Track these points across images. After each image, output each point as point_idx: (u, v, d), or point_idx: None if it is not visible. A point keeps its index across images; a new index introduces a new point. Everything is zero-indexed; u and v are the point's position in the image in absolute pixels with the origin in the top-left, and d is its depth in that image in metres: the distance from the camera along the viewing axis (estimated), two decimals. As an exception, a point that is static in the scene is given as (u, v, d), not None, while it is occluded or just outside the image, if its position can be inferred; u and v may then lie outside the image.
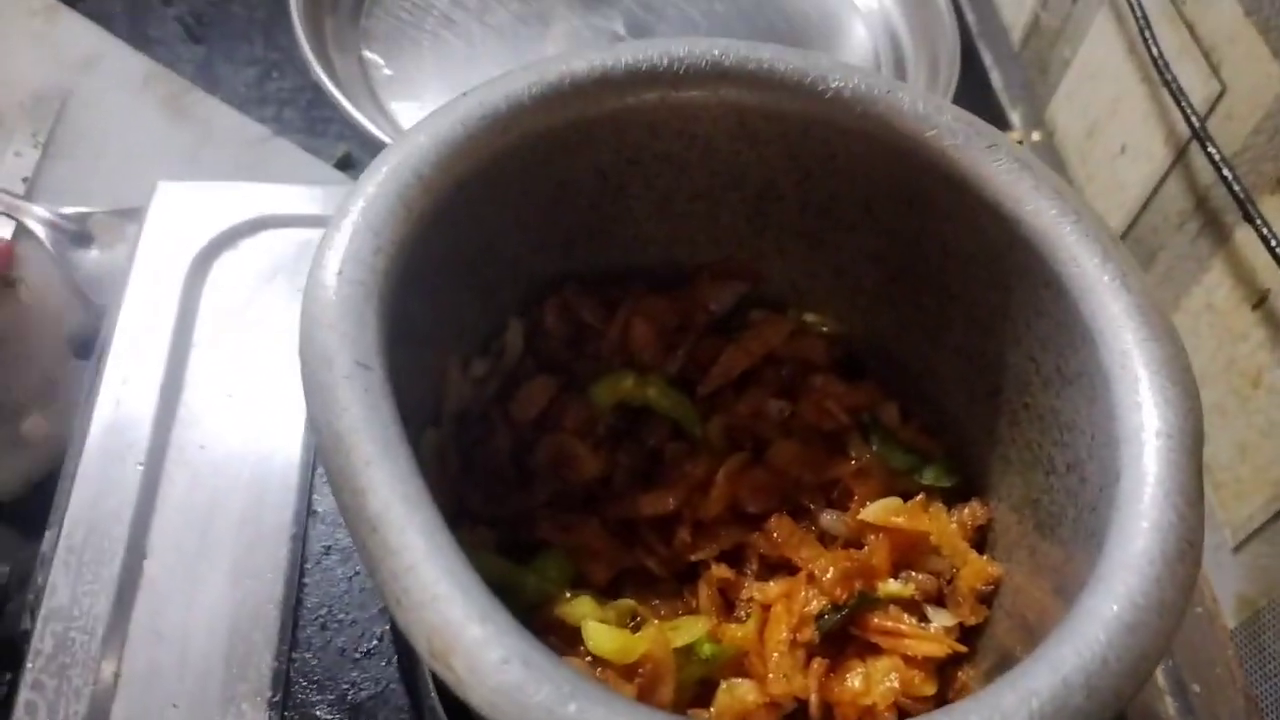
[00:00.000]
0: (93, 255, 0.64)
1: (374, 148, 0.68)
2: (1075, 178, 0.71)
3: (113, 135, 0.69)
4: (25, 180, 0.66)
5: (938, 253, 0.37)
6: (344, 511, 0.26)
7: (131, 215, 0.65)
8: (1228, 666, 0.44)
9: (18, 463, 0.55)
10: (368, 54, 0.65)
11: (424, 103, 0.64)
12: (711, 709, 0.33)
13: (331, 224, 0.29)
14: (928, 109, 0.34)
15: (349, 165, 0.70)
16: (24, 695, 0.35)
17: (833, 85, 0.35)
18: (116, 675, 0.36)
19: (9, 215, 0.63)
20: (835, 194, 0.38)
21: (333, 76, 0.60)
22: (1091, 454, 0.31)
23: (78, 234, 0.64)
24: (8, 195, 0.64)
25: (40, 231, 0.62)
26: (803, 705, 0.34)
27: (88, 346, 0.60)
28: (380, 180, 0.30)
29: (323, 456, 0.26)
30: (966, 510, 0.37)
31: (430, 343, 0.35)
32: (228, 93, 0.73)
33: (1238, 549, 0.51)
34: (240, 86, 0.75)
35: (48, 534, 0.46)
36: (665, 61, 0.34)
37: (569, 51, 0.34)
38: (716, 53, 0.35)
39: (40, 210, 0.63)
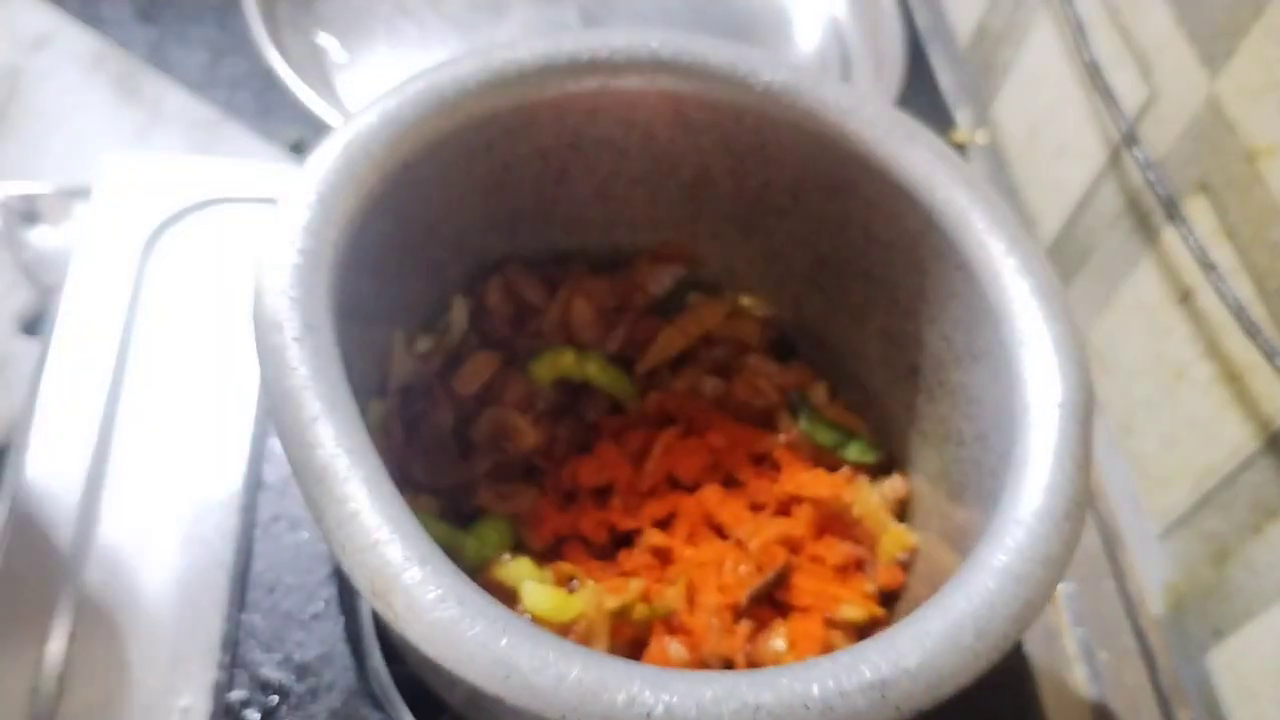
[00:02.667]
0: (40, 234, 0.64)
1: (326, 132, 0.70)
2: (1017, 177, 0.73)
3: (63, 114, 0.69)
4: (-27, 160, 0.66)
5: (861, 238, 0.39)
6: (292, 464, 0.27)
7: (80, 194, 0.66)
8: (1134, 637, 0.46)
9: (-34, 439, 0.55)
10: (321, 38, 0.66)
11: (377, 89, 0.65)
12: (642, 665, 0.35)
13: (285, 197, 0.31)
14: (851, 102, 0.36)
15: (301, 149, 0.71)
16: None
17: (763, 78, 0.37)
18: (69, 639, 0.37)
19: (-43, 195, 0.63)
20: (767, 181, 0.40)
21: (286, 60, 0.61)
22: (995, 425, 0.33)
23: (26, 213, 0.64)
24: (-44, 175, 0.64)
25: (-13, 210, 0.63)
26: (729, 665, 0.35)
27: (36, 325, 0.61)
28: (333, 157, 0.32)
29: (274, 414, 0.28)
30: (888, 484, 0.40)
31: (377, 317, 0.36)
32: (180, 74, 0.73)
33: (1163, 537, 0.53)
34: (192, 68, 0.75)
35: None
36: (605, 51, 0.36)
37: (514, 39, 0.35)
38: (654, 44, 0.37)
39: (-11, 189, 0.64)
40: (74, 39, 0.72)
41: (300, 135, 0.71)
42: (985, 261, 0.34)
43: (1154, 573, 0.53)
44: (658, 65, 0.37)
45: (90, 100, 0.70)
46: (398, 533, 0.26)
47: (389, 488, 0.27)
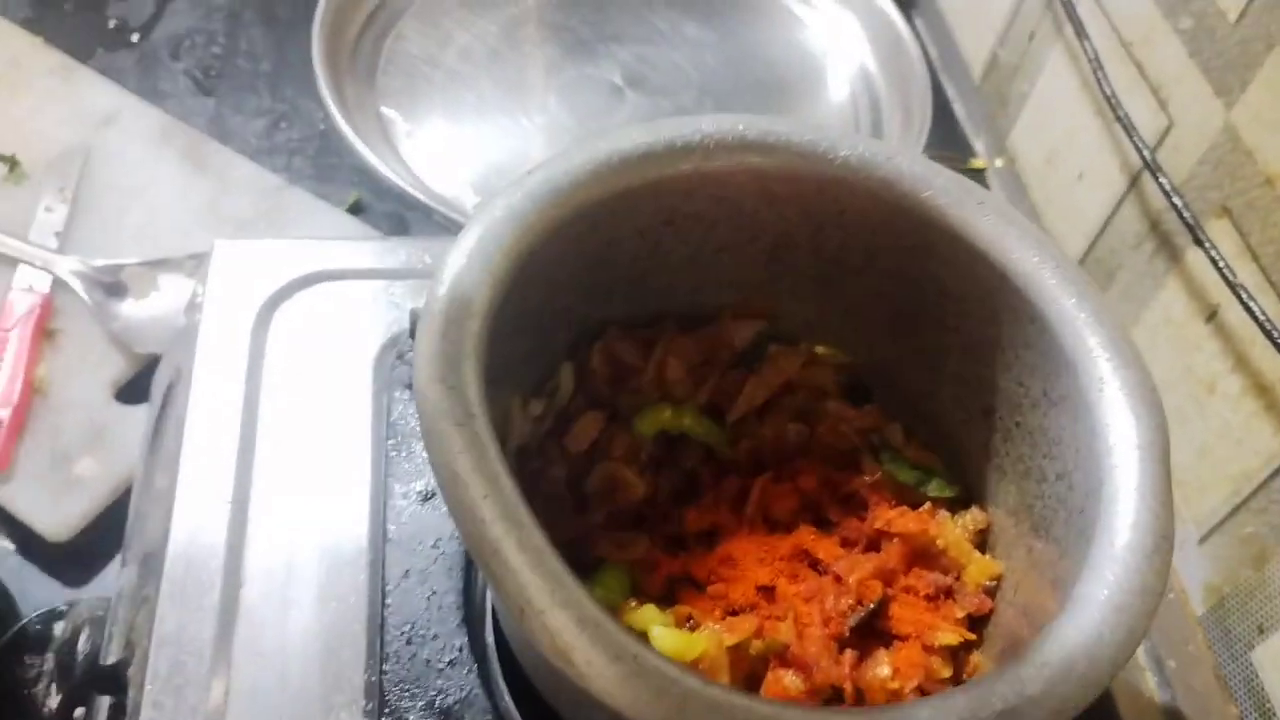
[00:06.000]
0: (127, 305, 0.67)
1: (388, 193, 0.73)
2: (1036, 202, 0.77)
3: (136, 188, 0.72)
4: (57, 234, 0.69)
5: (935, 293, 0.42)
6: (466, 537, 0.31)
7: (162, 265, 0.69)
8: (1197, 645, 0.49)
9: (73, 504, 0.58)
10: (385, 111, 0.69)
11: (442, 152, 0.69)
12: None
13: (431, 293, 0.34)
14: (925, 172, 0.40)
15: (359, 210, 0.74)
16: (146, 714, 0.39)
17: (841, 153, 0.40)
18: (226, 693, 0.40)
19: (46, 269, 0.67)
20: (844, 244, 0.43)
21: (352, 126, 0.64)
22: (1077, 465, 0.36)
23: (111, 285, 0.67)
24: (43, 250, 0.67)
25: (75, 284, 0.66)
26: (838, 691, 0.39)
27: (130, 392, 0.64)
28: (467, 249, 0.35)
29: (443, 491, 0.31)
30: (968, 516, 0.43)
31: (498, 386, 0.40)
32: (239, 143, 0.77)
33: (1202, 541, 0.55)
34: (250, 137, 0.79)
35: (123, 570, 0.50)
36: (697, 136, 0.40)
37: (614, 131, 0.39)
38: (741, 128, 0.40)
39: (74, 263, 0.67)
40: (139, 115, 0.76)
41: (359, 196, 0.75)
42: (1058, 315, 0.37)
43: (1195, 576, 0.55)
44: (745, 146, 0.40)
45: (160, 173, 0.73)
46: (569, 599, 0.29)
47: (553, 556, 0.30)
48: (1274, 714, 0.51)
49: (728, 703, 0.28)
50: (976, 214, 0.39)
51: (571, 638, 0.29)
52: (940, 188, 0.39)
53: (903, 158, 0.40)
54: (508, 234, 0.36)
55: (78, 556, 0.58)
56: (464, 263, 0.35)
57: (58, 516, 0.58)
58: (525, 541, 0.30)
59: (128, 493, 0.58)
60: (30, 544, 0.58)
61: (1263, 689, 0.51)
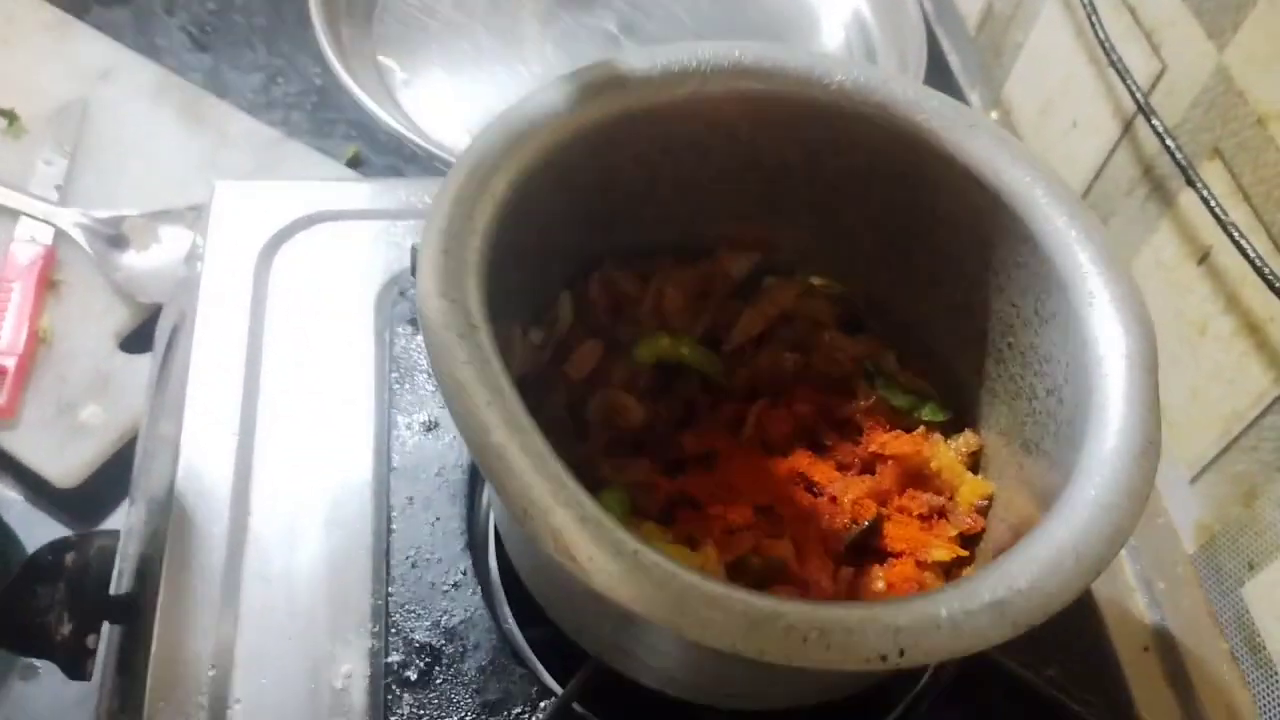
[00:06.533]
0: (129, 256, 0.68)
1: (385, 146, 0.73)
2: (1033, 151, 0.77)
3: (134, 142, 0.72)
4: (58, 188, 0.70)
5: (929, 218, 0.43)
6: (469, 444, 0.31)
7: (162, 217, 0.70)
8: (1185, 567, 0.50)
9: (80, 451, 0.59)
10: (383, 59, 0.70)
11: (440, 101, 0.69)
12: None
13: (433, 208, 0.35)
14: (918, 96, 0.40)
15: (358, 163, 0.75)
16: (158, 641, 0.40)
17: (836, 79, 0.41)
18: (236, 619, 0.41)
19: (48, 221, 0.67)
20: (839, 170, 0.44)
21: (352, 78, 0.64)
22: (1067, 379, 0.37)
23: (113, 236, 0.68)
24: (45, 203, 0.68)
25: (78, 236, 0.67)
26: (835, 605, 0.40)
27: (134, 341, 0.65)
28: (468, 171, 0.36)
29: (447, 400, 0.32)
30: (961, 439, 0.44)
31: (500, 315, 0.40)
32: (236, 99, 0.77)
33: (1194, 481, 0.56)
34: (247, 92, 0.79)
35: (131, 508, 0.50)
36: (694, 63, 0.40)
37: (612, 58, 0.39)
38: (737, 54, 0.41)
39: (76, 215, 0.67)
40: (137, 70, 0.76)
41: (357, 149, 0.75)
42: (1050, 234, 0.38)
43: (1186, 515, 0.56)
44: (741, 72, 0.41)
45: (158, 128, 0.73)
46: (570, 499, 0.30)
47: (555, 461, 0.31)
48: (1263, 648, 0.52)
49: (726, 595, 0.29)
50: (969, 136, 0.40)
51: (573, 536, 0.29)
52: (934, 110, 0.40)
53: (896, 83, 0.40)
54: (507, 156, 0.37)
55: (84, 502, 0.59)
56: (463, 180, 0.35)
57: (64, 463, 0.59)
58: (528, 445, 0.31)
59: (133, 440, 0.59)
60: (40, 490, 0.59)
61: (1253, 624, 0.52)
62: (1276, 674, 0.50)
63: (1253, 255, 0.50)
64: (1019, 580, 0.30)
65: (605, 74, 0.39)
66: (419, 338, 0.42)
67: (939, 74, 0.85)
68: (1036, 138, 0.76)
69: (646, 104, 0.40)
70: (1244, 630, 0.53)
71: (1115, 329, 0.35)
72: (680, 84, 0.40)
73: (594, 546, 0.29)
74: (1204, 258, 0.57)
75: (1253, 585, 0.53)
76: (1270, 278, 0.49)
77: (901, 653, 0.28)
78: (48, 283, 0.65)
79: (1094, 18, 0.65)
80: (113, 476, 0.59)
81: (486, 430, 0.31)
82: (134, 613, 0.43)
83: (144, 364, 0.61)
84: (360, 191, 0.54)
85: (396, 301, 0.50)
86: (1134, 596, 0.48)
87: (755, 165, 0.44)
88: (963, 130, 0.40)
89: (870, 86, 0.40)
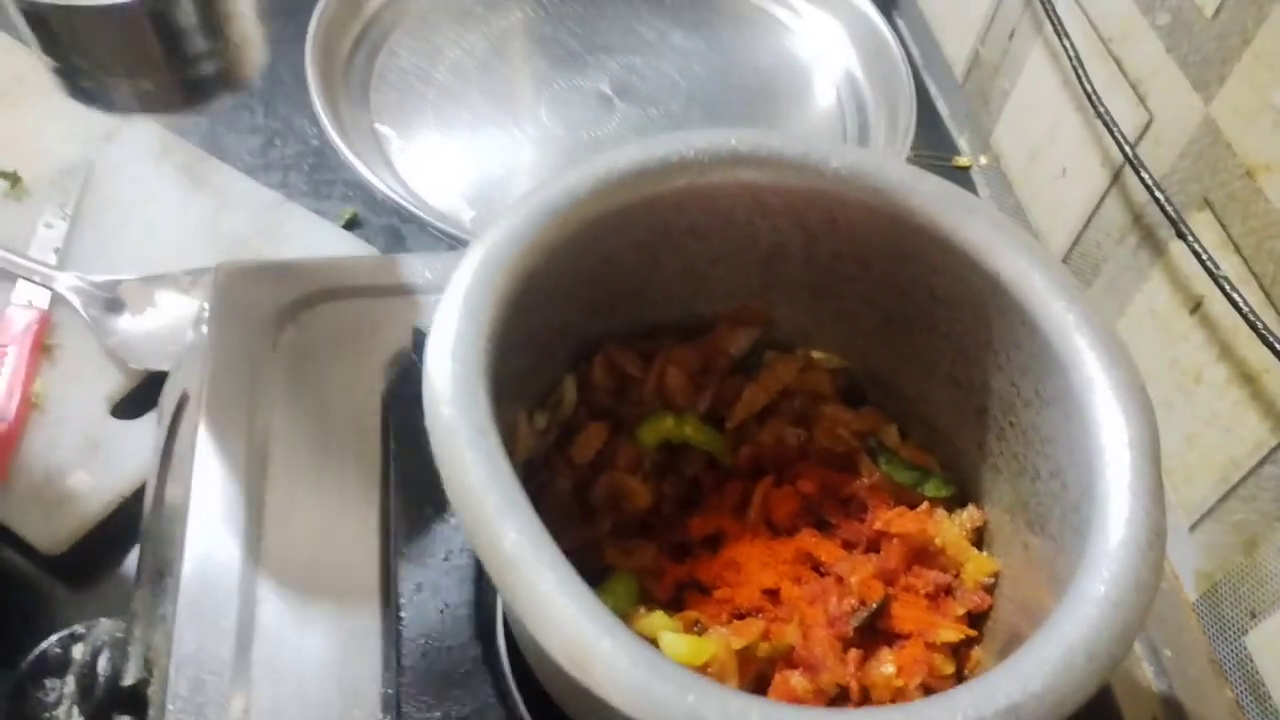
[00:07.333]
0: (125, 320, 0.68)
1: (383, 207, 0.74)
2: (1021, 199, 0.78)
3: (135, 203, 0.73)
4: (57, 250, 0.70)
5: (927, 298, 0.43)
6: (480, 552, 0.32)
7: (159, 281, 0.70)
8: (1191, 633, 0.51)
9: (66, 518, 0.59)
10: (379, 127, 0.70)
11: (436, 165, 0.69)
12: (770, 697, 0.39)
13: (440, 311, 0.35)
14: (914, 180, 0.41)
15: (355, 225, 0.75)
16: (168, 726, 0.40)
17: (833, 165, 0.41)
18: (246, 711, 0.41)
19: (44, 285, 0.67)
20: (837, 252, 0.44)
21: (348, 146, 0.65)
22: (1070, 462, 0.37)
23: (109, 300, 0.68)
24: (43, 266, 0.68)
25: (74, 299, 0.67)
26: (844, 690, 0.40)
27: (125, 406, 0.64)
28: (474, 272, 0.36)
29: (457, 508, 0.32)
30: (965, 514, 0.44)
31: (504, 401, 0.41)
32: (234, 161, 0.78)
33: (1193, 529, 0.57)
34: (245, 154, 0.79)
35: (137, 589, 0.50)
36: (691, 153, 0.41)
37: (611, 150, 0.40)
38: (733, 142, 0.41)
39: (73, 279, 0.67)
40: (141, 130, 0.76)
41: (355, 211, 0.75)
42: (1048, 318, 0.38)
43: (1186, 563, 0.56)
44: (737, 160, 0.41)
45: (159, 189, 0.73)
46: (585, 608, 0.30)
47: (568, 568, 0.31)
48: (1268, 696, 0.52)
49: (743, 709, 0.29)
50: (966, 220, 0.40)
51: (587, 649, 0.30)
52: (929, 194, 0.40)
53: (893, 167, 0.41)
54: (510, 255, 0.37)
55: (72, 570, 0.59)
56: (469, 283, 0.36)
57: (50, 530, 0.58)
58: (541, 554, 0.31)
59: (120, 507, 0.59)
60: (30, 556, 0.58)
61: (1257, 672, 0.53)
62: (1285, 726, 0.50)
63: (1245, 309, 0.51)
64: (1032, 683, 0.30)
65: (603, 168, 0.39)
66: (424, 420, 0.43)
67: (929, 122, 0.86)
68: (1027, 184, 0.77)
69: (645, 195, 0.41)
70: (1248, 678, 0.53)
71: (1117, 416, 0.36)
72: (678, 174, 0.41)
73: (611, 660, 0.29)
74: (1196, 307, 0.57)
75: (1256, 634, 0.53)
76: (1263, 331, 0.50)
77: (918, 761, 0.29)
78: (42, 347, 0.65)
79: (1079, 68, 0.66)
80: (102, 542, 0.58)
81: (498, 538, 0.31)
82: (142, 704, 0.43)
83: (135, 430, 0.62)
84: (360, 268, 0.55)
85: (400, 381, 0.51)
86: (1140, 666, 0.49)
87: (753, 248, 0.45)
88: (959, 214, 0.40)
89: (865, 171, 0.41)
